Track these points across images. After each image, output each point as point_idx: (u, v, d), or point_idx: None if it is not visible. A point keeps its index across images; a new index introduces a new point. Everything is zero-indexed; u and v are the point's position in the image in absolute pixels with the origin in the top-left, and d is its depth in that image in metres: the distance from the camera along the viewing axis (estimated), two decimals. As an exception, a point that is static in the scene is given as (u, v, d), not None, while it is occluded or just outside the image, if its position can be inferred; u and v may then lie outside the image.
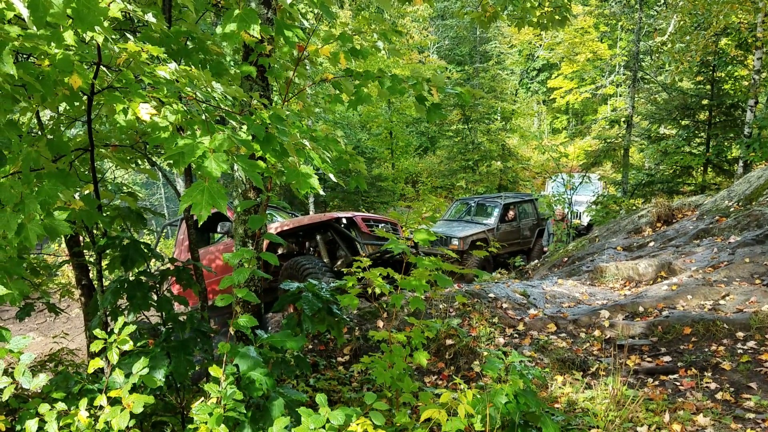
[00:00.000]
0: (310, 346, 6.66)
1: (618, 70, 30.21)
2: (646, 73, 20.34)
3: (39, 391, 2.89)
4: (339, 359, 6.05)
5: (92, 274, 4.73)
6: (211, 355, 3.80)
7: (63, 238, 5.10)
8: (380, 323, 6.37)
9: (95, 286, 4.27)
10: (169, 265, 3.86)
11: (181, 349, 3.58)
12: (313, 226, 7.89)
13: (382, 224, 8.27)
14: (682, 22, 14.09)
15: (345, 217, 7.99)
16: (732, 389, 4.41)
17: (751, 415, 4.03)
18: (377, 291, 4.13)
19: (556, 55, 32.28)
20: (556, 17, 6.45)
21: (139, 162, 4.86)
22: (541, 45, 35.38)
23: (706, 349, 5.08)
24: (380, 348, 4.06)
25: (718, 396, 4.31)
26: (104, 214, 3.84)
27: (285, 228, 7.62)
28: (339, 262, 7.70)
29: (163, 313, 3.73)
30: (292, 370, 3.92)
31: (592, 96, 32.73)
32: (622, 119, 16.90)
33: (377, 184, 22.97)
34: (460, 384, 3.46)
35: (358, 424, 2.88)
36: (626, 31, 27.38)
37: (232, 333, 2.90)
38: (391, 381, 3.89)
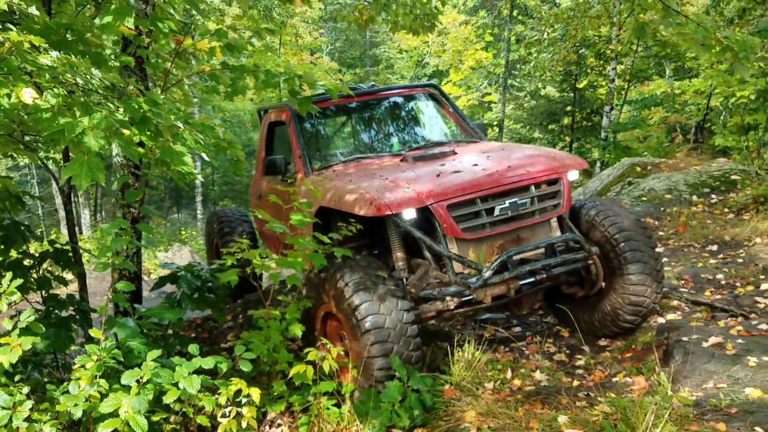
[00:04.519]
0: (194, 335, 6.81)
1: (498, 78, 31.89)
2: (516, 81, 21.83)
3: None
4: (222, 345, 6.27)
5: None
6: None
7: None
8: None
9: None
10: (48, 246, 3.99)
11: (61, 326, 3.74)
12: None
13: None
14: (546, 35, 15.37)
15: None
16: (568, 352, 5.12)
17: (580, 371, 4.74)
18: (257, 271, 4.42)
19: (443, 63, 33.44)
20: (425, 23, 7.07)
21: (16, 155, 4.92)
22: (428, 52, 36.59)
23: (550, 320, 5.81)
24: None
25: (555, 357, 5.00)
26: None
27: None
28: None
29: (43, 293, 3.87)
30: (173, 346, 4.15)
31: (478, 103, 34.24)
32: (495, 123, 18.16)
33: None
34: (326, 344, 3.86)
35: (234, 384, 3.20)
36: (500, 41, 29.00)
37: (110, 303, 3.13)
38: (267, 353, 4.22)
